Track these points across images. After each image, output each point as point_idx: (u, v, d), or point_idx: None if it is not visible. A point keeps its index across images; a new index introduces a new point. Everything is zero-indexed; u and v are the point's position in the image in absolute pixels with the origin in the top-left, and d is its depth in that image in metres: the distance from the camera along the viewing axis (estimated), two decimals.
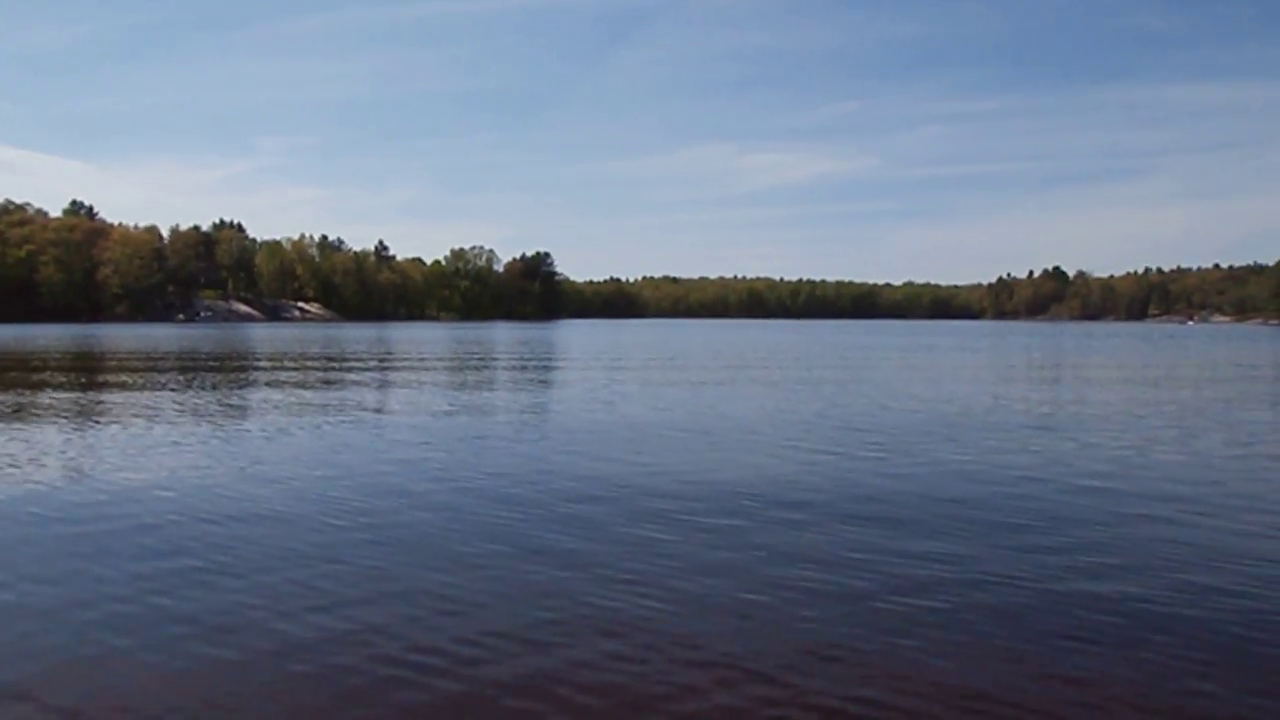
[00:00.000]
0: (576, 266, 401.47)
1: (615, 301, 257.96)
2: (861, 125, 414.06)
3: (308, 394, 20.54)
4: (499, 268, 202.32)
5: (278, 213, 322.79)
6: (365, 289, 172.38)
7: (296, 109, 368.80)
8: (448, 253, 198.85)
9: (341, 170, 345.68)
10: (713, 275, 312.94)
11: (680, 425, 14.86)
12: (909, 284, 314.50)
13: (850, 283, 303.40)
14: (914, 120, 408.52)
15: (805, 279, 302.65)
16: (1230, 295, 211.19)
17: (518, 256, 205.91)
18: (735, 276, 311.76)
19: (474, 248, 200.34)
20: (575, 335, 74.36)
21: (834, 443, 12.89)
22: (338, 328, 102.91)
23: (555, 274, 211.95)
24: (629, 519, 8.06)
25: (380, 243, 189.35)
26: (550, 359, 37.81)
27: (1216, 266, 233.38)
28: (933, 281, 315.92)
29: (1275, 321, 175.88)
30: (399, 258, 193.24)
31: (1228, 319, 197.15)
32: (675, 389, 22.44)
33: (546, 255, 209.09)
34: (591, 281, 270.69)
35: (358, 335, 69.46)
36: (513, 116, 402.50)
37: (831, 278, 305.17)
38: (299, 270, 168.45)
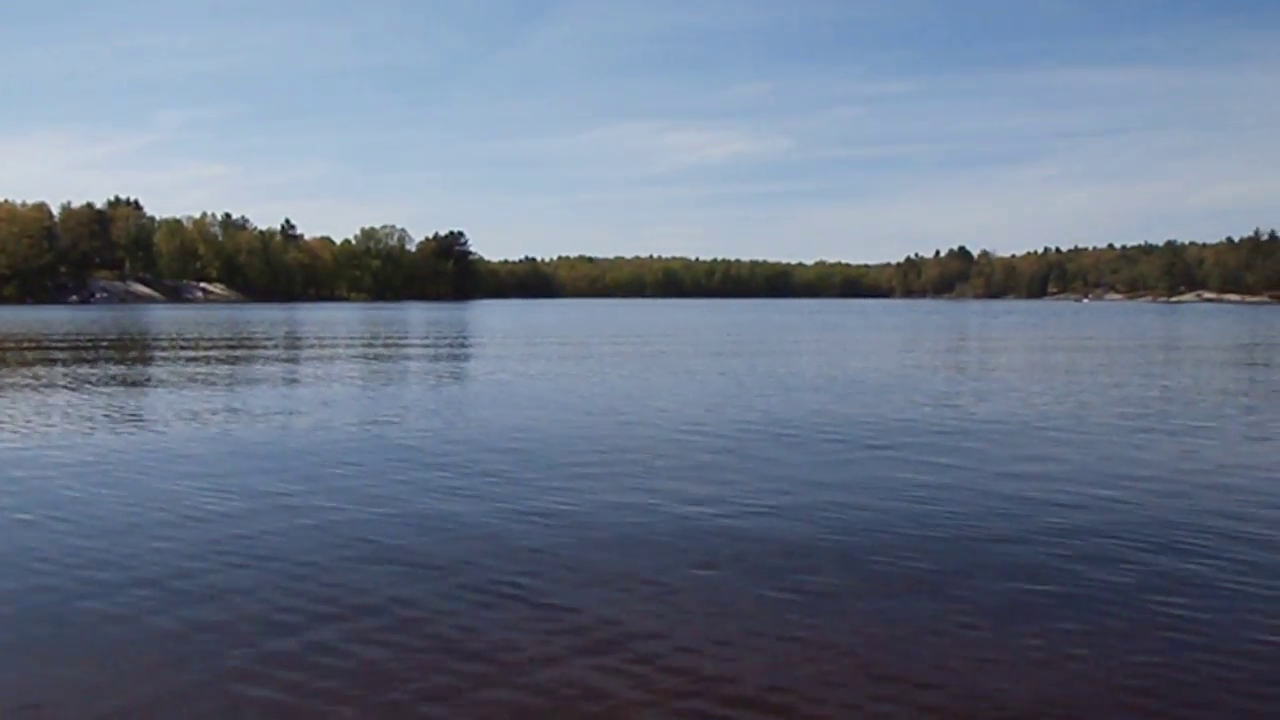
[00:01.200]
0: (491, 246, 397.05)
1: (531, 282, 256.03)
2: (776, 106, 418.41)
3: (184, 382, 20.30)
4: (411, 247, 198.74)
5: (177, 190, 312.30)
6: (272, 269, 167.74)
7: (197, 81, 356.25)
8: (358, 232, 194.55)
9: (245, 146, 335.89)
10: (629, 255, 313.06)
11: (579, 409, 15.23)
12: (821, 263, 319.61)
13: (765, 262, 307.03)
14: (828, 101, 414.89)
15: (720, 258, 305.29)
16: (1123, 274, 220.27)
17: (431, 236, 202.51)
18: (651, 256, 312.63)
19: (385, 227, 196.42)
20: (488, 316, 73.97)
21: (752, 415, 13.43)
22: (242, 309, 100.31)
23: (470, 254, 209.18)
24: (523, 510, 8.41)
25: (287, 221, 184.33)
26: (458, 341, 37.75)
27: (1110, 247, 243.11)
28: (844, 261, 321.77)
29: (1163, 299, 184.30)
30: (307, 237, 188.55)
31: (1120, 296, 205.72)
32: (581, 372, 22.77)
33: (461, 235, 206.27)
34: (507, 261, 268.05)
35: (261, 317, 67.92)
36: (425, 93, 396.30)
37: (746, 257, 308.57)
38: (201, 250, 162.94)
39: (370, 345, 33.23)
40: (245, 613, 5.23)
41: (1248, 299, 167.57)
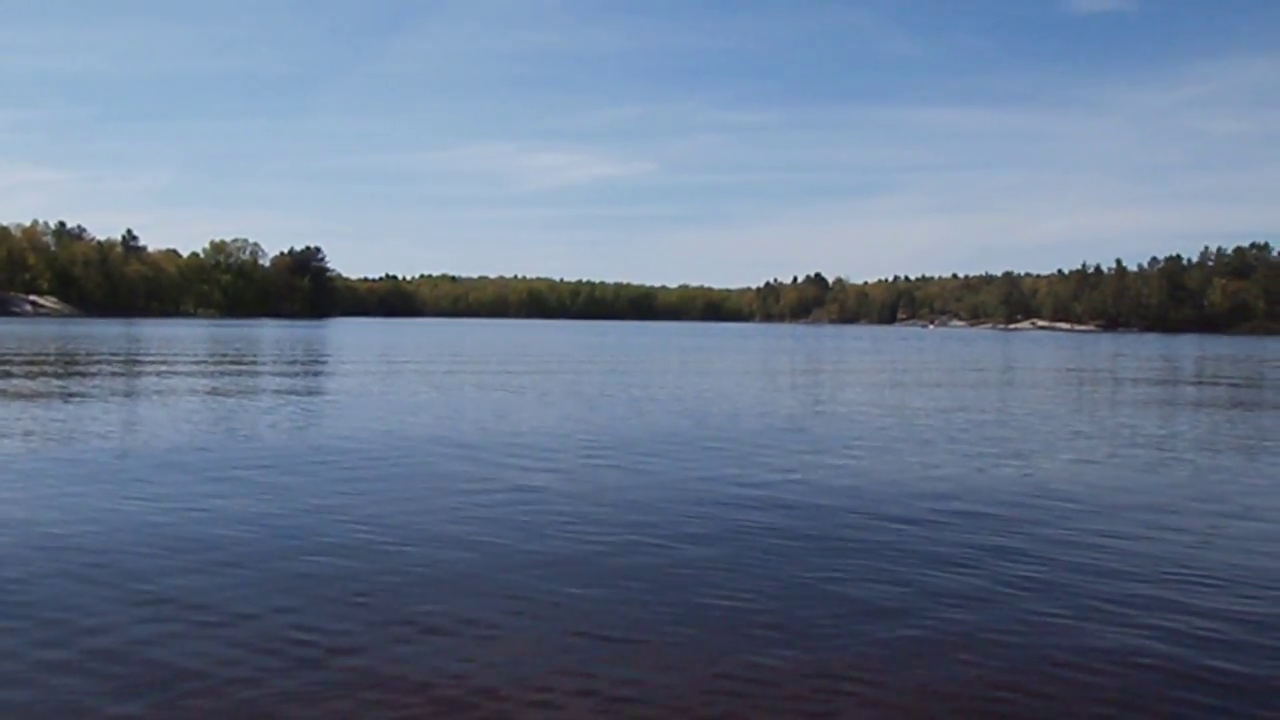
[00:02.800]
0: (351, 263, 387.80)
1: (391, 300, 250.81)
2: (640, 130, 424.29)
3: None
4: (265, 262, 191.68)
5: (4, 195, 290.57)
6: (111, 282, 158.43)
7: (27, 81, 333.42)
8: (207, 245, 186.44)
9: (83, 152, 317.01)
10: (493, 275, 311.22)
11: (416, 430, 14.73)
12: (684, 287, 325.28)
13: (628, 285, 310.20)
14: (690, 128, 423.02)
15: (585, 280, 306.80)
16: (965, 302, 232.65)
17: (286, 250, 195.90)
18: (516, 276, 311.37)
19: (237, 240, 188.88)
20: (343, 335, 71.72)
21: (607, 439, 13.21)
22: (74, 324, 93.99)
23: (327, 270, 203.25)
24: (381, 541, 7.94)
25: (129, 231, 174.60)
26: (307, 361, 36.30)
27: (954, 276, 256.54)
28: (706, 285, 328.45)
29: (1001, 326, 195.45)
30: (151, 249, 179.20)
31: (963, 323, 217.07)
32: (429, 394, 22.17)
33: (318, 250, 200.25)
34: (366, 279, 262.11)
35: (92, 332, 63.77)
36: (281, 101, 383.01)
37: (610, 279, 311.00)
38: (31, 260, 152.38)
39: (202, 364, 31.54)
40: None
41: (1076, 327, 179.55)
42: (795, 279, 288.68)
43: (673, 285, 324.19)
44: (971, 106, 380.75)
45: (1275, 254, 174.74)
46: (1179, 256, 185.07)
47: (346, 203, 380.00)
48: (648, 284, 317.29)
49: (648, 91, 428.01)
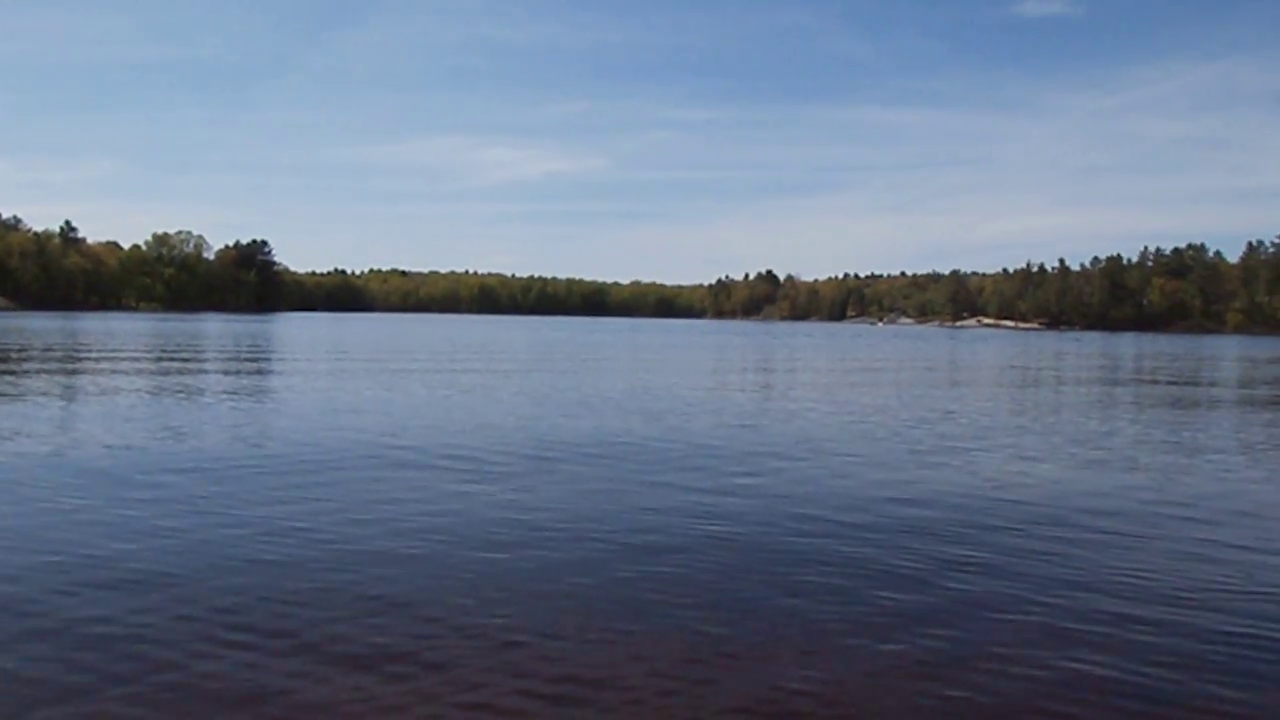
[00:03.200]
0: (299, 257, 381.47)
1: (340, 294, 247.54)
2: (592, 126, 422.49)
3: None
4: (210, 255, 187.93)
5: None
6: (48, 275, 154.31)
7: None
8: (149, 237, 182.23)
9: (18, 141, 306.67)
10: (444, 270, 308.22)
11: (360, 428, 14.45)
12: (636, 283, 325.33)
13: (581, 280, 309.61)
14: (642, 124, 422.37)
15: (537, 276, 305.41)
16: (914, 300, 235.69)
17: (231, 244, 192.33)
18: (467, 272, 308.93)
19: (181, 232, 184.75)
20: (290, 329, 70.56)
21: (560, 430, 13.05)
22: (9, 317, 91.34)
23: (274, 263, 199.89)
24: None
25: (67, 223, 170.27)
26: (250, 356, 35.58)
27: (903, 274, 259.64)
28: (658, 281, 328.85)
29: (949, 324, 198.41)
30: (91, 240, 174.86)
31: (911, 321, 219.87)
32: (375, 390, 21.81)
33: (264, 243, 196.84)
34: (314, 273, 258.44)
35: (29, 326, 61.98)
36: (227, 92, 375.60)
37: (563, 275, 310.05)
38: None
39: (140, 360, 30.76)
40: None
41: (1021, 325, 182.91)
42: (747, 276, 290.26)
43: (625, 281, 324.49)
44: (921, 107, 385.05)
45: (1211, 255, 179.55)
46: (1119, 257, 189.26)
47: (294, 196, 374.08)
48: (600, 280, 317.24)
49: (600, 87, 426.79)
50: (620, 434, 14.00)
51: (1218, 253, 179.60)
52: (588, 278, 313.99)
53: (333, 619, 5.50)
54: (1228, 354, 61.06)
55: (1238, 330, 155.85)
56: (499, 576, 6.45)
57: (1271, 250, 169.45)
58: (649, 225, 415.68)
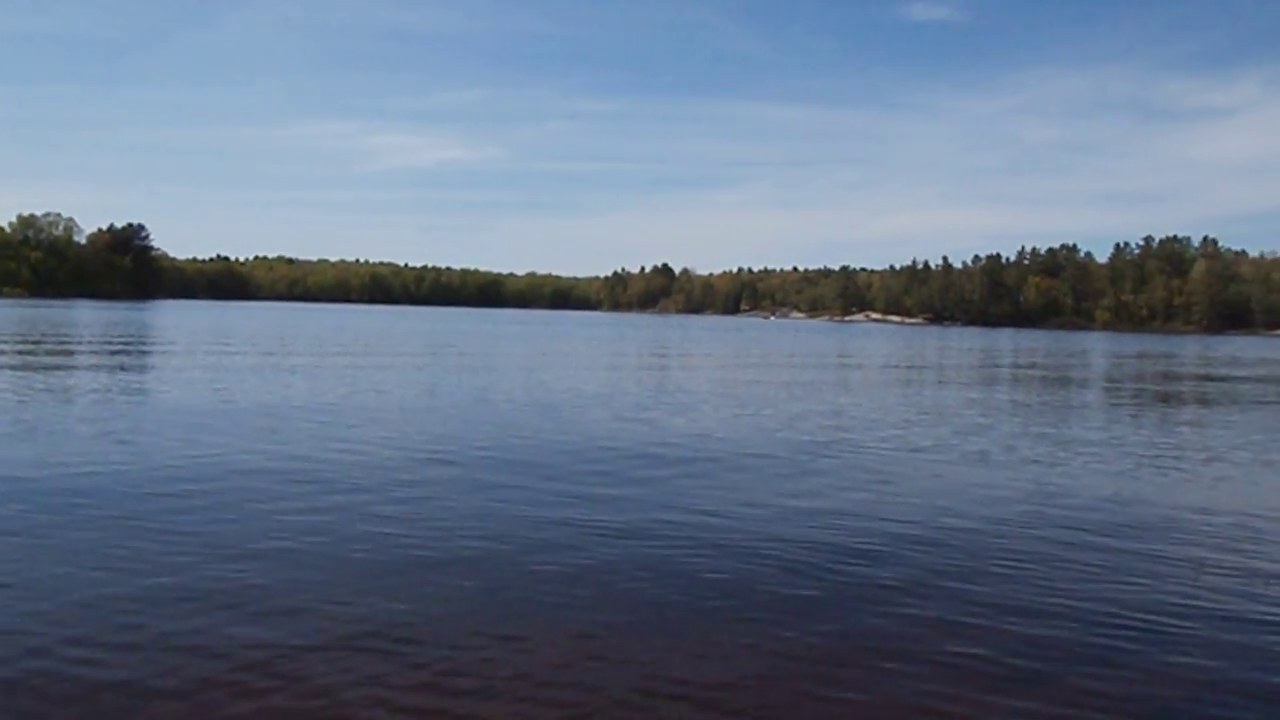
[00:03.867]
0: (179, 242, 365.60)
1: (223, 282, 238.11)
2: (489, 115, 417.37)
3: None
4: (81, 239, 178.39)
5: None
6: None
7: None
8: (14, 219, 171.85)
9: None
10: (333, 258, 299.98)
11: (232, 428, 13.91)
12: (532, 274, 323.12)
13: (476, 271, 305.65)
14: (540, 115, 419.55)
15: (430, 265, 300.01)
16: (805, 295, 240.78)
17: (104, 227, 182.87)
18: (358, 260, 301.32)
19: (49, 214, 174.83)
20: (161, 319, 67.57)
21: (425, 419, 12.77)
22: None
23: (151, 249, 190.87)
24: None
25: None
26: (117, 346, 33.92)
27: (795, 269, 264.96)
28: (555, 273, 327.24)
29: (838, 318, 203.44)
30: None
31: (803, 315, 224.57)
32: (253, 386, 21.07)
33: (141, 227, 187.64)
34: (195, 259, 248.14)
35: None
36: (99, 67, 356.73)
37: (458, 265, 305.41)
38: None
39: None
40: None
41: (906, 320, 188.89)
42: (643, 269, 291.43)
43: (521, 273, 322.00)
44: (813, 105, 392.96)
45: (1082, 255, 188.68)
46: (999, 255, 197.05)
47: (174, 179, 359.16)
48: (496, 271, 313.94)
49: (495, 75, 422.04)
50: (511, 430, 13.88)
51: (1088, 253, 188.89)
52: (483, 268, 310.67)
53: (201, 620, 5.30)
54: (1095, 349, 64.34)
55: (1105, 327, 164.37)
56: (379, 575, 6.31)
57: (1136, 252, 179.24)
58: (546, 216, 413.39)
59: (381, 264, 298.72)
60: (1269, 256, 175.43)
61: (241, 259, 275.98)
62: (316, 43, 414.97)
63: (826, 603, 6.02)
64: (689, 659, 5.01)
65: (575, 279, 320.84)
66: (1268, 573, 7.09)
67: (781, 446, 12.84)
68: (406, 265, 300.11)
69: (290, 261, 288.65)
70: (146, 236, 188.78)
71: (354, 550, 6.87)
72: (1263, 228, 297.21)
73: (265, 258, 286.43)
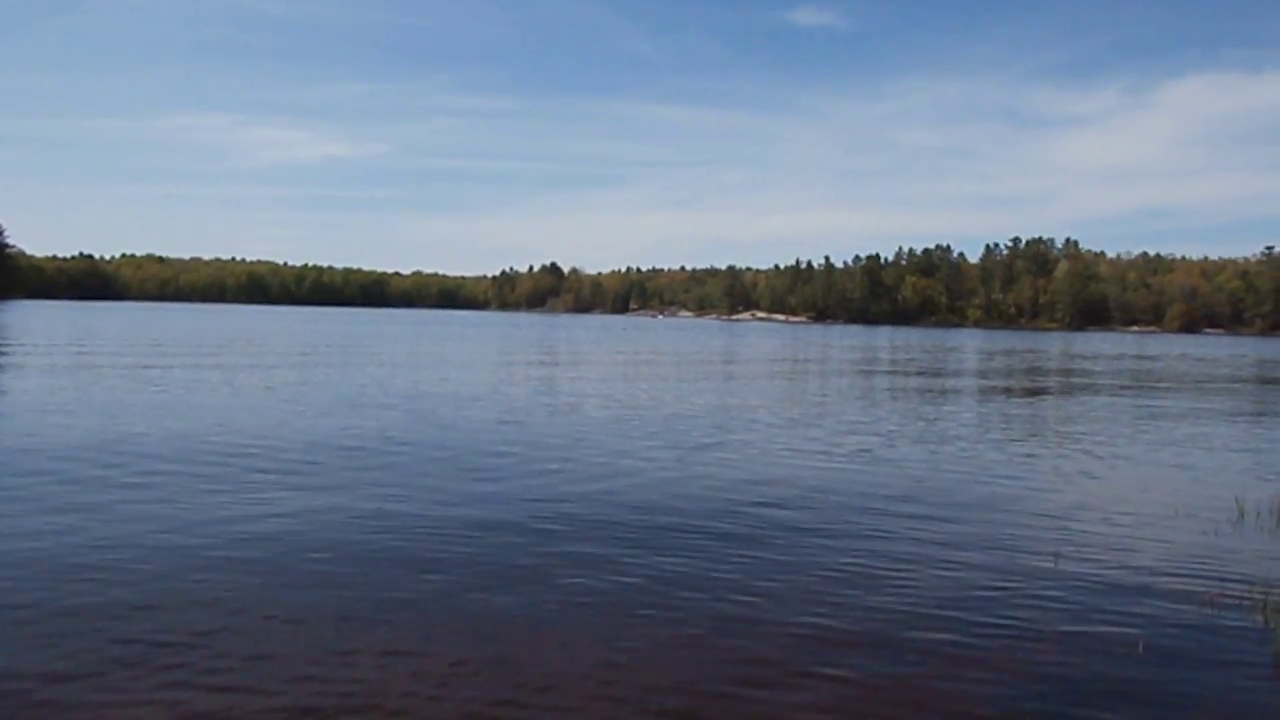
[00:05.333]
0: (37, 239, 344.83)
1: (86, 281, 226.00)
2: (371, 110, 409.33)
3: None
4: None
5: None
6: None
7: None
8: None
9: None
10: (208, 256, 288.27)
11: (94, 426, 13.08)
12: (418, 273, 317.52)
13: (359, 270, 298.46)
14: (424, 110, 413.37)
15: (312, 264, 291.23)
16: (693, 294, 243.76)
17: None
18: (234, 259, 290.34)
19: None
20: (16, 321, 63.61)
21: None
22: None
23: (7, 246, 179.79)
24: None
25: None
26: None
27: (683, 269, 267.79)
28: (441, 272, 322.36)
29: (725, 317, 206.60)
30: None
31: (690, 314, 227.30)
32: (116, 388, 19.92)
33: None
34: (55, 257, 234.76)
35: None
36: None
37: (340, 264, 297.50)
38: None
39: None
40: None
41: (791, 319, 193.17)
42: (531, 268, 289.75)
43: (407, 272, 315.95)
44: (701, 106, 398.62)
45: (955, 256, 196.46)
46: (878, 255, 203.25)
47: (32, 171, 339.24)
48: (381, 270, 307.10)
49: (377, 69, 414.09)
50: (386, 431, 13.47)
51: (961, 254, 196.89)
52: (367, 267, 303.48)
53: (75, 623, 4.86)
54: (968, 346, 66.99)
55: (977, 324, 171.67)
56: (245, 578, 5.94)
57: (1005, 253, 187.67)
58: (433, 215, 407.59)
59: (259, 262, 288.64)
60: (1125, 257, 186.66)
61: (108, 257, 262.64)
62: (188, 31, 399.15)
63: (703, 584, 5.95)
64: (563, 646, 4.84)
65: (463, 278, 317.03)
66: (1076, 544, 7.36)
67: (664, 444, 12.79)
68: (286, 264, 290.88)
69: (161, 260, 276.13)
70: (1, 233, 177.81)
71: (208, 552, 6.46)
72: (1120, 230, 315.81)
73: (134, 256, 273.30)
